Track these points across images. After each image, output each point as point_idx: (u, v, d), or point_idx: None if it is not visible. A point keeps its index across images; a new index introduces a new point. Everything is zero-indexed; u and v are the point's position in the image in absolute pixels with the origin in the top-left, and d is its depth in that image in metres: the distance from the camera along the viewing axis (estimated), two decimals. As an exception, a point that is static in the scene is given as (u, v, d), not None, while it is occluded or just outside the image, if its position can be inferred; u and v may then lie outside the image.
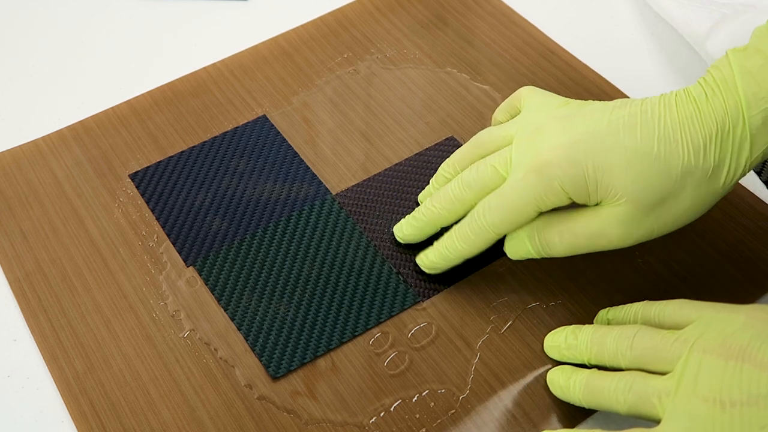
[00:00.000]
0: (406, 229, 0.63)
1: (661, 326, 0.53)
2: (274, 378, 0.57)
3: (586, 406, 0.53)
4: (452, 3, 0.81)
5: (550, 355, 0.57)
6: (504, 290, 0.61)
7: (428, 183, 0.66)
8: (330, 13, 0.80)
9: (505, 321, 0.59)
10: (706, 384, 0.47)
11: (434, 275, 0.62)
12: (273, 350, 0.58)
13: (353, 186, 0.67)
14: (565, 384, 0.54)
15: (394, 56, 0.77)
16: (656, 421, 0.48)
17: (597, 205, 0.55)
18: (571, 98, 0.72)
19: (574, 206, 0.56)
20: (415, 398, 0.56)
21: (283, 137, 0.71)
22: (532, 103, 0.60)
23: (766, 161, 0.68)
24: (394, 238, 0.64)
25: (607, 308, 0.58)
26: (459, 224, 0.59)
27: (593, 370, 0.53)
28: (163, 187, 0.67)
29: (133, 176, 0.68)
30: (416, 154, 0.69)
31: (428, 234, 0.62)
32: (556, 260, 0.62)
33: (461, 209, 0.59)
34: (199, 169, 0.69)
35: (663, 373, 0.49)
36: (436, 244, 0.61)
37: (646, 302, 0.55)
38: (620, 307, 0.57)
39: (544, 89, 0.74)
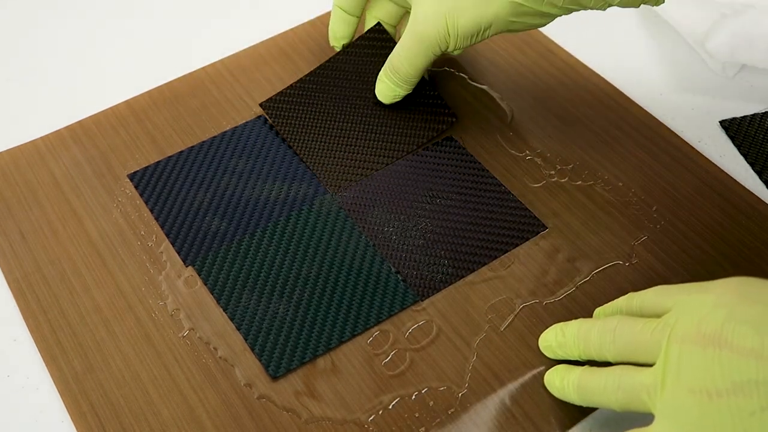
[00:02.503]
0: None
1: (642, 316, 0.52)
2: (274, 377, 0.57)
3: (584, 405, 0.53)
4: (451, 3, 0.81)
5: (546, 355, 0.57)
6: (502, 289, 0.61)
7: (428, 183, 0.66)
8: (328, 13, 0.80)
9: (503, 320, 0.59)
10: (689, 375, 0.46)
11: (432, 275, 0.62)
12: (272, 350, 0.58)
13: (352, 185, 0.67)
14: (560, 385, 0.54)
15: (393, 56, 0.77)
16: (650, 415, 0.48)
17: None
18: (572, 99, 0.73)
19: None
20: (414, 396, 0.56)
21: (282, 137, 0.71)
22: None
23: (766, 161, 0.68)
24: (393, 237, 0.64)
25: (602, 306, 0.58)
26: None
27: (584, 368, 0.53)
28: (162, 187, 0.67)
29: (131, 176, 0.68)
30: (415, 153, 0.69)
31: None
32: (553, 260, 0.63)
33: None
34: (198, 169, 0.69)
35: (648, 364, 0.49)
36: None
37: (629, 294, 0.55)
38: (609, 303, 0.57)
39: (544, 89, 0.74)
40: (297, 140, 0.70)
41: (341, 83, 0.72)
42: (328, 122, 0.70)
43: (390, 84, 0.68)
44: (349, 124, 0.70)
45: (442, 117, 0.69)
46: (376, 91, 0.69)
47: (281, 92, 0.72)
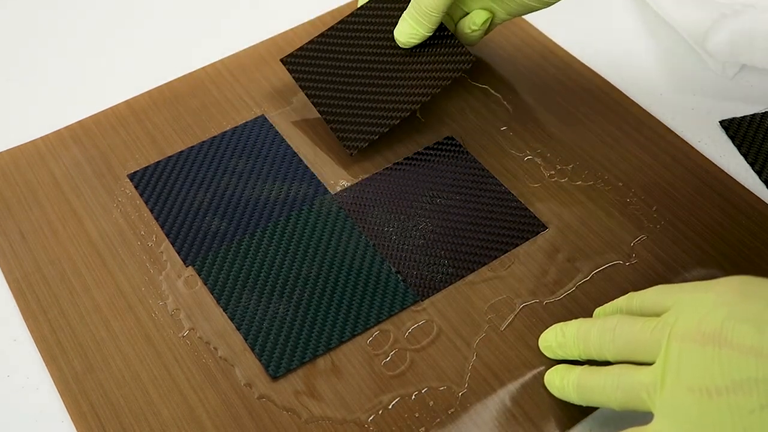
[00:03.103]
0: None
1: (642, 315, 0.52)
2: (274, 377, 0.57)
3: (584, 405, 0.53)
4: (451, 3, 0.81)
5: (546, 355, 0.57)
6: (502, 289, 0.61)
7: (427, 182, 0.66)
8: (328, 13, 0.81)
9: (503, 320, 0.59)
10: (689, 374, 0.46)
11: (432, 275, 0.62)
12: (272, 350, 0.58)
13: (352, 185, 0.67)
14: (560, 384, 0.54)
15: (393, 56, 0.77)
16: (650, 414, 0.48)
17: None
18: (572, 99, 0.73)
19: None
20: (414, 396, 0.56)
21: (282, 137, 0.71)
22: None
23: (766, 161, 0.68)
24: (393, 237, 0.64)
25: (602, 306, 0.58)
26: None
27: (584, 367, 0.53)
28: (162, 187, 0.67)
29: (131, 176, 0.68)
30: (415, 153, 0.69)
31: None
32: (553, 260, 0.63)
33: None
34: (198, 169, 0.69)
35: (648, 363, 0.49)
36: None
37: (629, 294, 0.55)
38: (609, 303, 0.57)
39: (544, 89, 0.74)
40: (317, 95, 0.71)
41: (361, 36, 0.72)
42: (349, 75, 0.71)
43: (411, 22, 0.68)
44: (370, 74, 0.70)
45: (459, 57, 0.69)
46: (396, 32, 0.69)
47: (302, 47, 0.73)
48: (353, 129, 0.68)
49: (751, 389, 0.44)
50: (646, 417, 0.49)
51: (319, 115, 0.71)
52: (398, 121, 0.68)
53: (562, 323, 0.57)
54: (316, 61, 0.72)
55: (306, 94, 0.71)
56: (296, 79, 0.72)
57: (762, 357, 0.44)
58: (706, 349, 0.46)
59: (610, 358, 0.52)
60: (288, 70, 0.73)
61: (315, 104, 0.71)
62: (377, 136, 0.68)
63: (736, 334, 0.45)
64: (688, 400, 0.46)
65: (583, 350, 0.54)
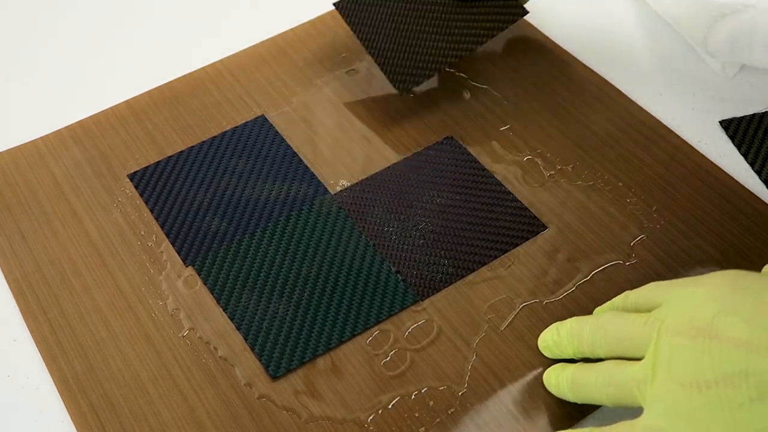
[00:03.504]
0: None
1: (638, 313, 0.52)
2: (274, 377, 0.57)
3: (579, 402, 0.53)
4: (451, 3, 0.81)
5: (545, 355, 0.57)
6: (502, 289, 0.61)
7: (427, 182, 0.66)
8: (328, 13, 0.80)
9: (503, 319, 0.59)
10: (679, 368, 0.46)
11: (432, 275, 0.62)
12: (272, 350, 0.58)
13: (352, 185, 0.67)
14: (555, 382, 0.54)
15: (393, 56, 0.77)
16: (642, 409, 0.48)
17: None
18: (572, 99, 0.73)
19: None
20: (414, 396, 0.56)
21: (282, 137, 0.71)
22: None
23: (766, 161, 0.68)
24: (393, 237, 0.64)
25: (601, 306, 0.58)
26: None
27: (578, 365, 0.53)
28: (162, 187, 0.67)
29: (131, 176, 0.68)
30: (415, 153, 0.69)
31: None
32: (553, 260, 0.63)
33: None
34: (198, 169, 0.69)
35: (639, 359, 0.49)
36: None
37: (625, 293, 0.55)
38: (607, 303, 0.57)
39: (544, 89, 0.74)
40: (369, 38, 0.73)
41: None
42: (400, 21, 0.73)
43: None
44: (421, 21, 0.72)
45: (511, 9, 0.72)
46: None
47: None
48: (403, 71, 0.70)
49: (741, 382, 0.44)
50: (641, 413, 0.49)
51: (319, 117, 0.71)
52: (447, 66, 0.71)
53: (558, 322, 0.57)
54: (368, 6, 0.74)
55: (357, 37, 0.73)
56: (348, 23, 0.74)
57: (752, 350, 0.44)
58: (696, 343, 0.46)
59: (602, 355, 0.52)
60: (340, 14, 0.74)
61: (366, 47, 0.72)
62: (426, 78, 0.70)
63: (727, 327, 0.45)
64: (679, 394, 0.46)
65: (577, 348, 0.54)
